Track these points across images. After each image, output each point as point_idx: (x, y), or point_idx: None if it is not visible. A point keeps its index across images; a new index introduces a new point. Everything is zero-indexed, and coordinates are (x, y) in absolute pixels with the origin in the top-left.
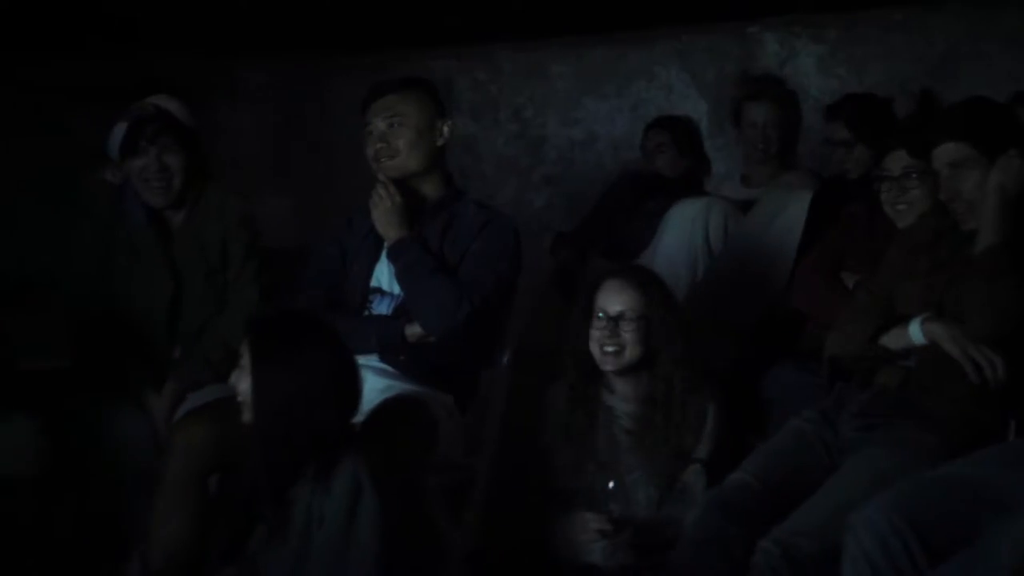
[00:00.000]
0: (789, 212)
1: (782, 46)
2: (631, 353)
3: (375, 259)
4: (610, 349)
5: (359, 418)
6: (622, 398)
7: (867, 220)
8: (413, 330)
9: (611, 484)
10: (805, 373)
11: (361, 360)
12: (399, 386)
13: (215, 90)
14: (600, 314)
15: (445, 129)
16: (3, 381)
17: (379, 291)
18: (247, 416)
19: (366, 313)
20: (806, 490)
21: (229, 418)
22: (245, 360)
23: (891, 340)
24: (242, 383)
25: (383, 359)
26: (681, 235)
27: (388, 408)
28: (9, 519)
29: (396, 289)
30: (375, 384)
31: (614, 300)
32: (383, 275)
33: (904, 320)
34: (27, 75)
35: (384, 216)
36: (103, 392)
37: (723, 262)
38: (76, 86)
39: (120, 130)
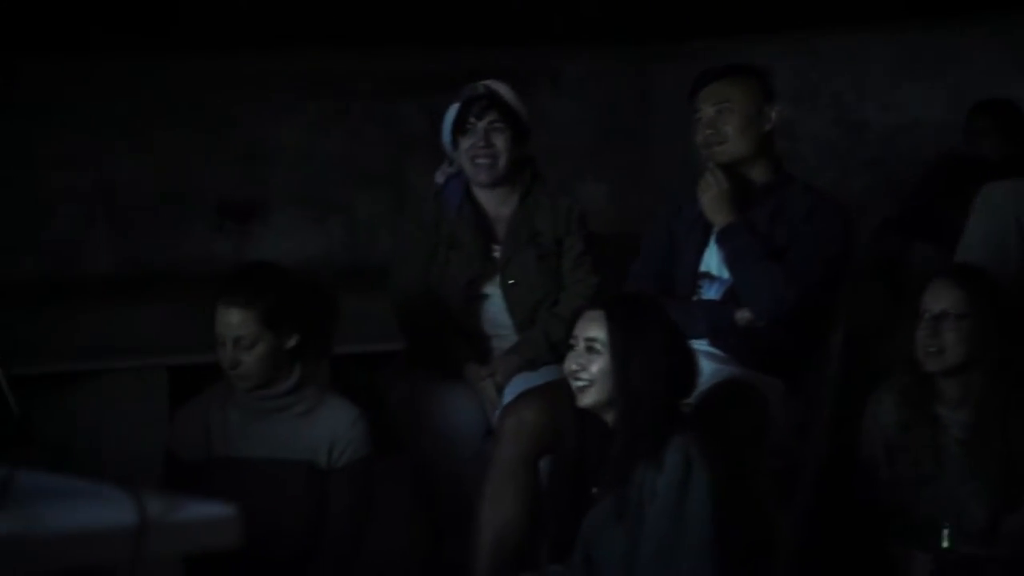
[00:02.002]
0: None
1: None
2: (953, 354)
3: (704, 245)
4: (931, 350)
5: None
6: (952, 404)
7: None
8: (742, 315)
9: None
10: None
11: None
12: (729, 370)
13: (537, 80)
14: (925, 314)
15: (773, 114)
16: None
17: (708, 276)
18: (587, 399)
19: (695, 298)
20: None
21: (560, 401)
22: (596, 343)
23: None
24: (593, 366)
25: (713, 344)
26: (987, 222)
27: (719, 392)
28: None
29: (725, 274)
30: (705, 368)
31: (937, 298)
32: (712, 261)
33: None
34: (349, 68)
35: (713, 202)
36: (436, 375)
37: None
38: (404, 77)
39: (452, 111)
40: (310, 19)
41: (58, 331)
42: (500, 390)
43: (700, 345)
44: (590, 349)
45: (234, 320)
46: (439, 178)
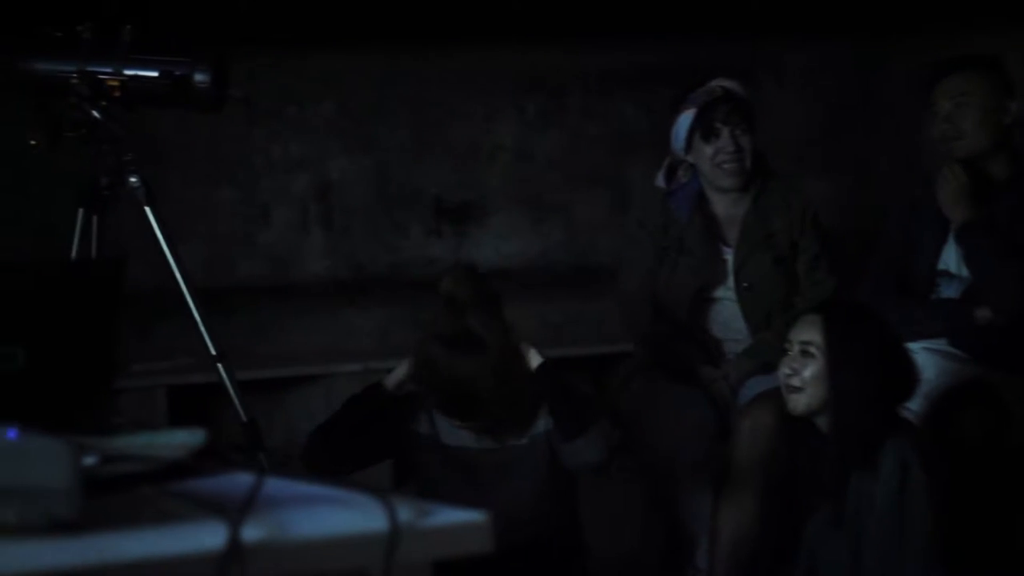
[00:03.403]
0: None
1: None
2: None
3: (942, 242)
4: None
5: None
6: None
7: None
8: (982, 313)
9: None
10: None
11: (929, 344)
12: (966, 370)
13: (759, 73)
14: None
15: (1013, 107)
16: None
17: (947, 274)
18: (799, 404)
19: (933, 297)
20: None
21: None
22: (811, 347)
23: None
24: (806, 370)
25: (952, 343)
26: None
27: (954, 393)
28: None
29: (964, 272)
30: (944, 367)
31: None
32: (950, 258)
33: None
34: (567, 64)
35: (951, 198)
36: (668, 377)
37: None
38: (621, 73)
39: (687, 117)
40: (527, 15)
41: (275, 335)
42: (734, 393)
43: (938, 345)
44: (805, 353)
45: None
46: (660, 182)
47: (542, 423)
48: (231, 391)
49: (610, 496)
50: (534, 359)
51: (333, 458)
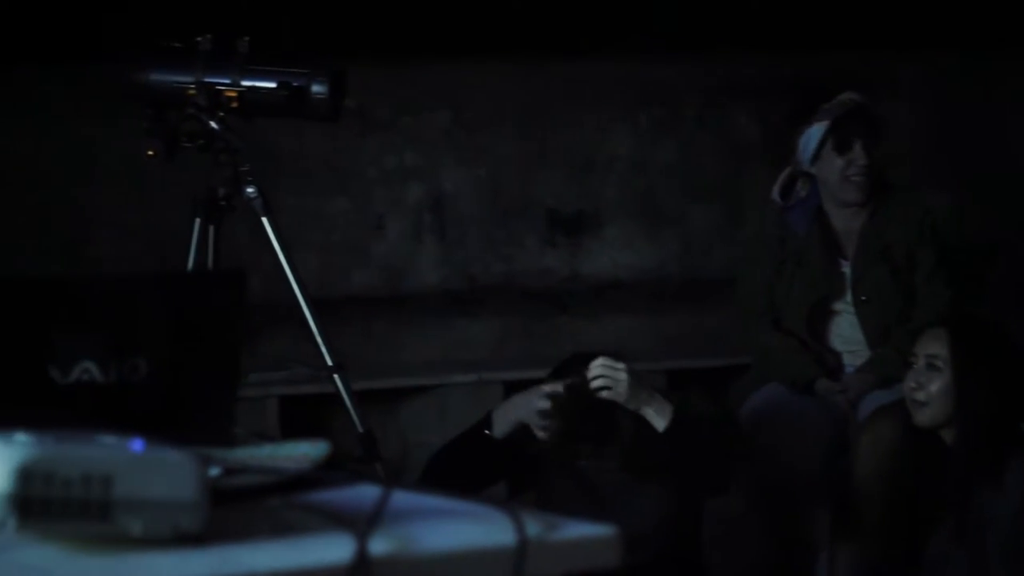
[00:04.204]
0: None
1: None
2: None
3: None
4: None
5: None
6: None
7: None
8: None
9: None
10: None
11: None
12: None
13: (874, 84)
14: None
15: None
16: None
17: None
18: (924, 417)
19: None
20: None
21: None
22: (937, 361)
23: None
24: (932, 384)
25: None
26: None
27: None
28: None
29: None
30: None
31: None
32: None
33: None
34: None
35: None
36: (786, 389)
37: None
38: (736, 84)
39: (817, 130)
40: (642, 27)
41: (388, 346)
42: (853, 406)
43: None
44: (931, 366)
45: None
46: (776, 194)
47: None
48: (347, 402)
49: (727, 511)
50: (659, 422)
51: (452, 487)
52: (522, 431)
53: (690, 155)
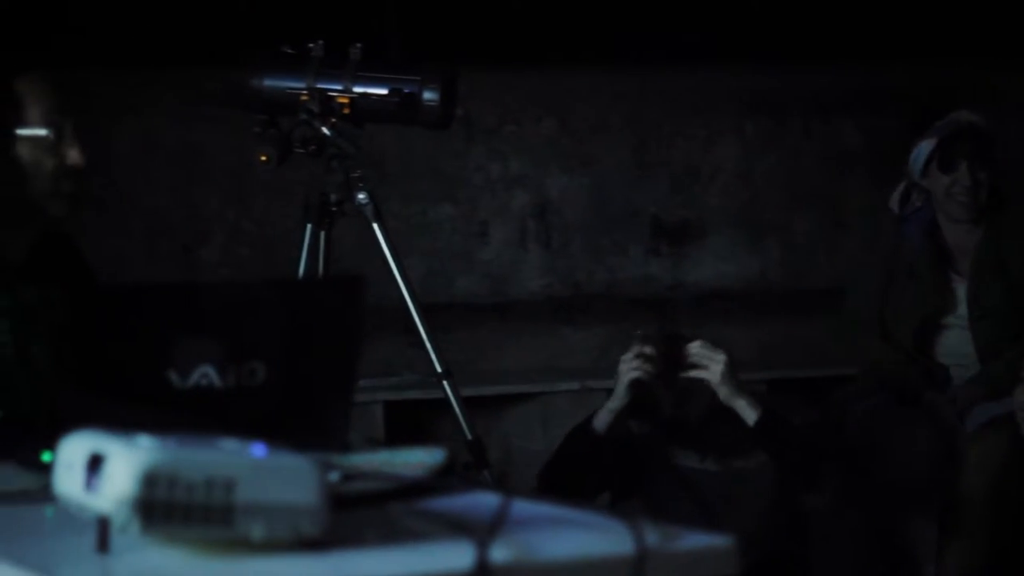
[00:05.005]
0: None
1: None
2: None
3: None
4: None
5: None
6: None
7: None
8: None
9: None
10: None
11: None
12: None
13: (976, 97)
14: None
15: None
16: None
17: None
18: None
19: None
20: None
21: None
22: None
23: None
24: None
25: None
26: None
27: None
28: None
29: None
30: None
31: None
32: None
33: None
34: (785, 85)
35: None
36: (893, 401)
37: None
38: (840, 95)
39: (926, 147)
40: (749, 37)
41: (492, 352)
42: (960, 419)
43: None
44: None
45: None
46: (893, 205)
47: None
48: (456, 408)
49: (832, 522)
50: (750, 415)
51: (567, 494)
52: (622, 425)
53: (794, 165)
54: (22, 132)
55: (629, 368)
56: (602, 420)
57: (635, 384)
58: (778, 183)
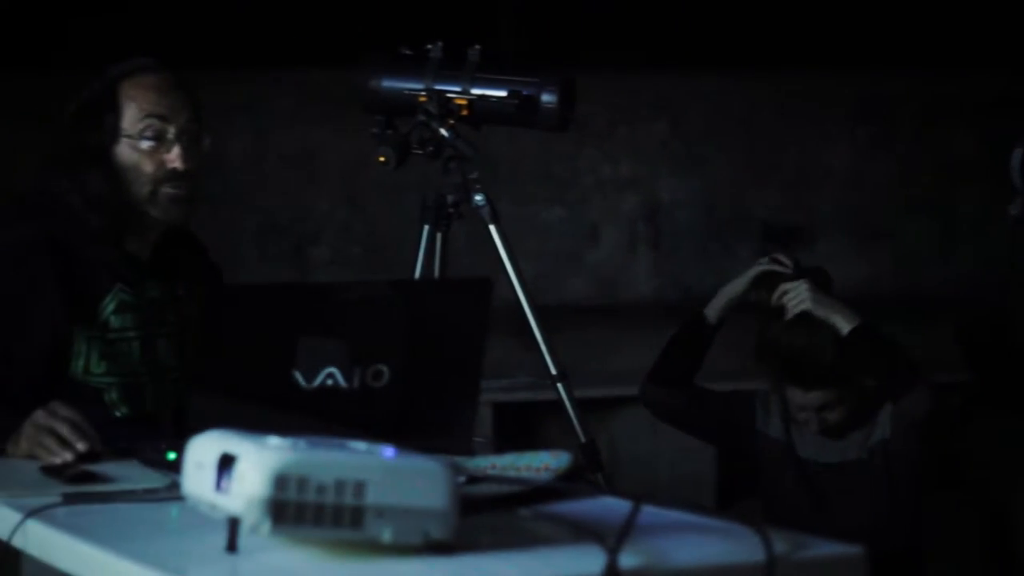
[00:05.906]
0: None
1: None
2: None
3: None
4: None
5: None
6: None
7: None
8: None
9: None
10: None
11: None
12: None
13: None
14: None
15: None
16: None
17: None
18: None
19: None
20: None
21: None
22: None
23: None
24: None
25: None
26: None
27: None
28: None
29: None
30: None
31: None
32: None
33: None
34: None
35: None
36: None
37: None
38: (954, 101)
39: (1019, 153)
40: (861, 43)
41: (601, 355)
42: None
43: None
44: None
45: None
46: (1014, 211)
47: (879, 431)
48: (570, 411)
49: (947, 523)
50: (844, 325)
51: (670, 394)
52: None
53: (906, 170)
54: (125, 136)
55: (763, 263)
56: (715, 305)
57: (763, 277)
58: (889, 189)
